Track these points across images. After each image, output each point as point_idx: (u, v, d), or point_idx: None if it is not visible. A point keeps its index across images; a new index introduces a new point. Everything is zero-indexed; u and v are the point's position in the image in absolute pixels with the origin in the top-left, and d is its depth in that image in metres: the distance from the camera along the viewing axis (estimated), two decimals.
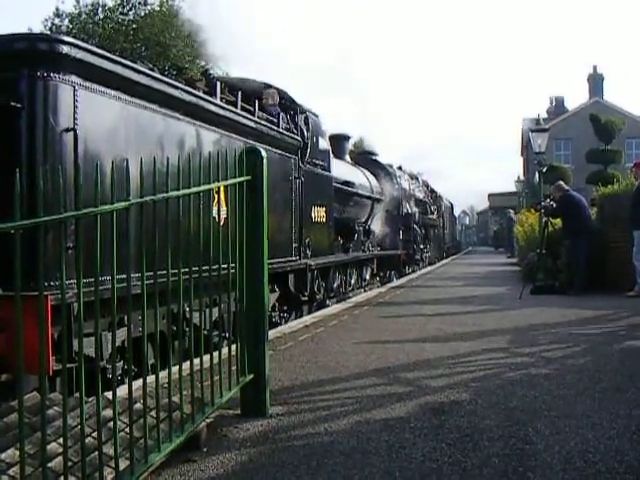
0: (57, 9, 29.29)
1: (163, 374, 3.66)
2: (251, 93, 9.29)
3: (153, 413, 3.28)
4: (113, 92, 5.29)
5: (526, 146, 44.81)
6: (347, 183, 13.91)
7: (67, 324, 4.42)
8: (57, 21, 29.24)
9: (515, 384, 5.10)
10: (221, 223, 3.99)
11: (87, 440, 2.91)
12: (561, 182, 14.16)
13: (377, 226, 17.45)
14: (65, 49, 4.78)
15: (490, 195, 72.15)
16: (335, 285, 12.97)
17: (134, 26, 28.92)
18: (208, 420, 3.82)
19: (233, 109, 7.72)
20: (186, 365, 3.49)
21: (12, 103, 4.59)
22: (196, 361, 3.69)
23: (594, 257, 12.34)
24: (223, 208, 4.62)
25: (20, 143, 4.64)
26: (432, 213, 28.02)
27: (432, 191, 30.01)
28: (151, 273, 3.13)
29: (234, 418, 4.27)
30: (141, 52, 27.82)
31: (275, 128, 9.12)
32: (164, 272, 3.24)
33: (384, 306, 11.18)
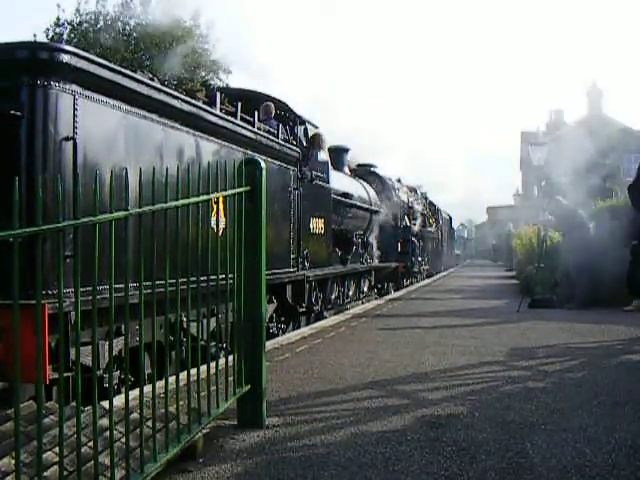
0: (58, 19, 29.29)
1: (160, 384, 3.65)
2: (252, 104, 9.30)
3: (149, 423, 3.27)
4: (113, 101, 5.30)
5: (525, 160, 44.83)
6: (346, 195, 13.92)
7: (64, 333, 4.44)
8: (58, 30, 29.24)
9: (512, 397, 5.09)
10: (220, 233, 3.99)
11: (83, 449, 2.90)
12: (559, 197, 14.19)
13: (375, 238, 17.45)
14: (65, 58, 4.79)
15: (489, 208, 72.31)
16: (333, 297, 12.96)
17: (135, 35, 28.96)
18: (204, 430, 3.81)
19: (232, 119, 7.73)
20: (183, 375, 3.48)
21: (12, 111, 4.59)
22: (193, 371, 3.68)
23: (592, 271, 12.35)
24: (222, 218, 4.62)
25: (19, 151, 4.64)
26: (430, 226, 28.04)
27: (431, 204, 30.03)
28: (149, 283, 3.13)
29: (231, 429, 4.26)
30: (142, 62, 27.86)
31: (274, 139, 9.13)
32: (162, 282, 3.24)
33: (382, 318, 11.16)
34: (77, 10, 29.27)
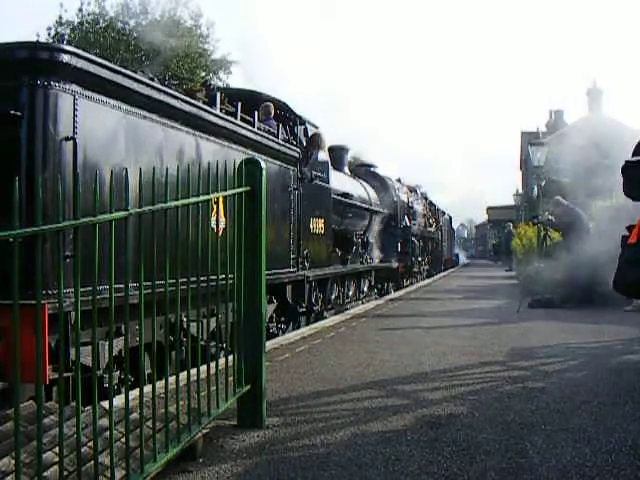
0: (60, 17, 29.37)
1: (160, 384, 3.65)
2: (252, 104, 9.31)
3: (149, 423, 3.27)
4: (113, 101, 5.29)
5: (525, 160, 44.78)
6: (346, 195, 13.91)
7: (64, 333, 4.44)
8: (60, 29, 29.31)
9: (512, 397, 5.09)
10: (220, 233, 3.99)
11: (83, 450, 2.90)
12: (559, 197, 14.19)
13: (375, 238, 17.44)
14: (66, 58, 4.78)
15: (489, 208, 72.26)
16: (333, 297, 12.95)
17: (135, 35, 28.97)
18: (204, 430, 3.81)
19: (232, 120, 7.73)
20: (183, 375, 3.48)
21: (12, 111, 4.59)
22: (193, 371, 3.68)
23: (593, 271, 12.33)
24: (222, 218, 4.62)
25: (20, 152, 4.63)
26: (430, 226, 28.02)
27: (431, 204, 30.01)
28: (149, 283, 3.13)
29: (230, 429, 4.26)
30: (142, 62, 27.87)
31: (274, 139, 9.13)
32: (162, 282, 3.24)
33: (382, 318, 11.17)
34: (80, 10, 29.35)
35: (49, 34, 29.02)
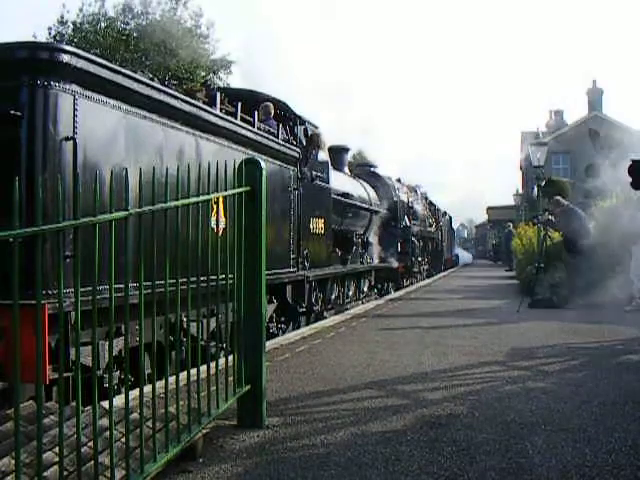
0: (62, 17, 29.44)
1: (160, 384, 3.65)
2: (252, 104, 9.30)
3: (149, 423, 3.27)
4: (113, 101, 5.29)
5: (525, 159, 44.75)
6: (346, 195, 13.90)
7: (64, 333, 4.44)
8: (62, 29, 29.39)
9: (512, 397, 5.09)
10: (220, 233, 3.99)
11: (83, 450, 2.90)
12: (559, 197, 14.18)
13: (375, 238, 17.43)
14: (66, 58, 4.78)
15: (489, 208, 72.16)
16: (333, 297, 12.95)
17: (135, 35, 29.01)
18: (204, 430, 3.81)
19: (232, 119, 7.72)
20: (183, 375, 3.48)
21: (12, 111, 4.59)
22: (193, 371, 3.68)
23: (592, 271, 12.34)
24: (222, 218, 4.62)
25: (20, 152, 4.63)
26: (430, 226, 27.99)
27: (431, 203, 29.98)
28: (149, 283, 3.13)
29: (230, 429, 4.26)
30: (142, 62, 27.89)
31: (274, 139, 9.12)
32: (162, 282, 3.24)
33: (382, 318, 11.16)
34: (80, 10, 29.41)
35: (49, 33, 29.07)
